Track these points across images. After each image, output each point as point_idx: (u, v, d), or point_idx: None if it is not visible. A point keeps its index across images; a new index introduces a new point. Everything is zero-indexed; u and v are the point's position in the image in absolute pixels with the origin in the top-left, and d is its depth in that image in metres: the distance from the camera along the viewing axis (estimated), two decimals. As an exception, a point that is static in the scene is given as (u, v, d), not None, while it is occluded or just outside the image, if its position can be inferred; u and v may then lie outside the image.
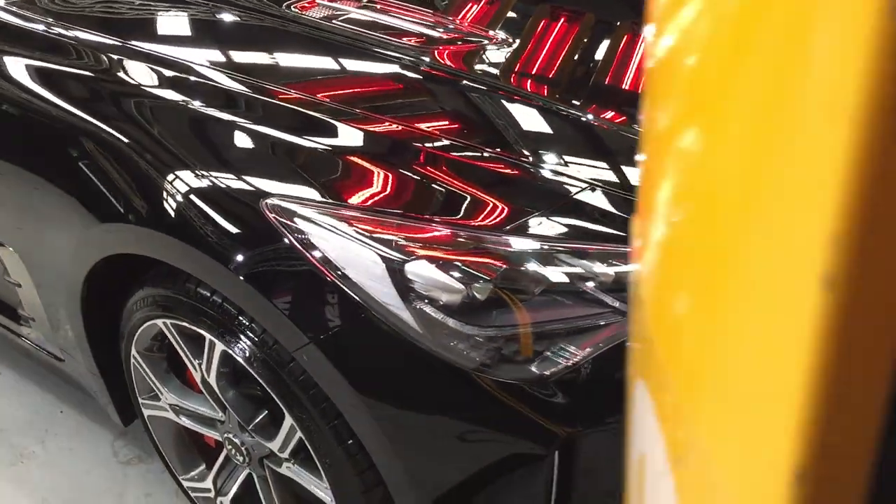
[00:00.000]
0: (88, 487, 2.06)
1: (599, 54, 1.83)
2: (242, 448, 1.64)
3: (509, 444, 1.34)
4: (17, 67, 1.73)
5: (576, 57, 1.80)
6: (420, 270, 1.31)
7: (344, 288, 1.32)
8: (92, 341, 1.80)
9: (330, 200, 1.38)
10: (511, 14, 1.98)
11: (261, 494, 1.69)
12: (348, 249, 1.33)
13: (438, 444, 1.38)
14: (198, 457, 1.84)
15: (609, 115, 1.64)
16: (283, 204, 1.37)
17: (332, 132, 1.52)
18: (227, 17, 1.87)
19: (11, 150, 1.73)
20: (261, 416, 1.58)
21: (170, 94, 1.61)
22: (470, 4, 1.96)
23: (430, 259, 1.31)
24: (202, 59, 1.68)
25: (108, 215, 1.54)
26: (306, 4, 1.77)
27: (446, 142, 1.52)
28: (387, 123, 1.54)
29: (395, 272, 1.31)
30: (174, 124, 1.57)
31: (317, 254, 1.33)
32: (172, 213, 1.45)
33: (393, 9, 1.83)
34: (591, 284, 1.32)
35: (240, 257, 1.38)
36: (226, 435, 1.67)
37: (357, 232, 1.34)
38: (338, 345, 1.34)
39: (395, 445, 1.36)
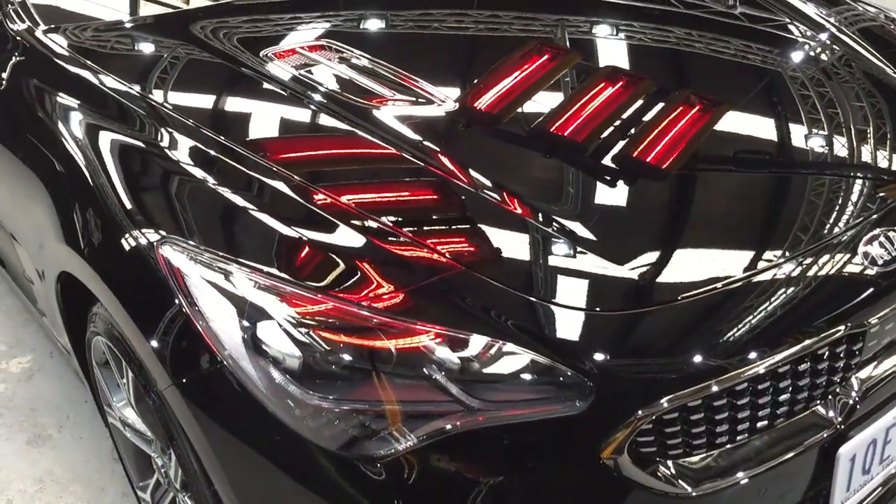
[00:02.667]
0: (80, 476, 2.22)
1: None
2: (162, 470, 1.72)
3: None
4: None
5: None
6: (269, 330, 1.32)
7: (205, 337, 1.35)
8: (76, 345, 1.94)
9: (220, 252, 1.41)
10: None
11: (181, 517, 1.75)
12: (215, 299, 1.36)
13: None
14: (148, 468, 1.94)
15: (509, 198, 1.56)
16: (172, 248, 1.42)
17: (259, 191, 1.54)
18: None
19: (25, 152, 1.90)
20: (176, 444, 1.64)
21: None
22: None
23: (293, 320, 1.31)
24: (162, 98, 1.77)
25: (68, 238, 1.66)
26: (283, 53, 1.82)
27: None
28: (319, 194, 1.53)
29: (249, 329, 1.32)
30: (124, 166, 1.67)
31: (188, 299, 1.37)
32: (96, 247, 1.55)
33: (369, 68, 1.83)
34: (438, 371, 1.27)
35: (128, 294, 1.46)
36: (152, 454, 1.75)
37: (230, 284, 1.36)
38: (197, 392, 1.37)
39: (240, 499, 1.37)
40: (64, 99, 1.83)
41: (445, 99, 1.76)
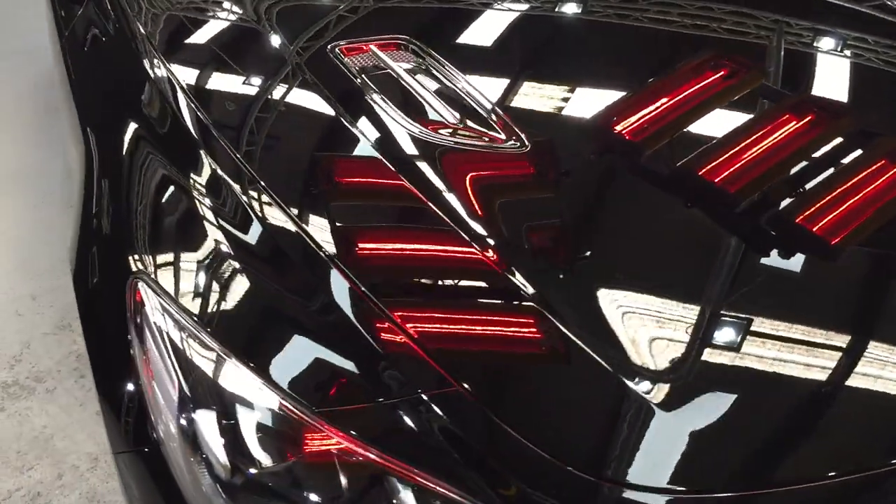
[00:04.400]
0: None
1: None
2: None
3: None
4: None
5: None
6: (211, 420, 1.04)
7: (149, 408, 1.10)
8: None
9: (197, 319, 1.13)
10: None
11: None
12: (167, 371, 1.10)
13: None
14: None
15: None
16: (144, 286, 1.18)
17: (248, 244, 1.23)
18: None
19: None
20: None
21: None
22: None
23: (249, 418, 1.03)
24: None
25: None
26: (354, 48, 1.49)
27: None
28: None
29: (189, 408, 1.06)
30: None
31: (143, 355, 1.13)
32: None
33: (453, 81, 1.47)
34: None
35: (96, 332, 1.24)
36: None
37: (188, 344, 1.10)
38: (131, 466, 1.14)
39: None
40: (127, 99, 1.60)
41: (524, 140, 1.36)
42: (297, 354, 1.07)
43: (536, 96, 1.48)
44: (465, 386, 1.00)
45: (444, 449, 0.98)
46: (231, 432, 1.03)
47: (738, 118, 1.46)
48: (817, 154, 1.40)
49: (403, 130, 1.34)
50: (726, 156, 1.35)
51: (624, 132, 1.39)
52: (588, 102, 1.49)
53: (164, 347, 1.11)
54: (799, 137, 1.43)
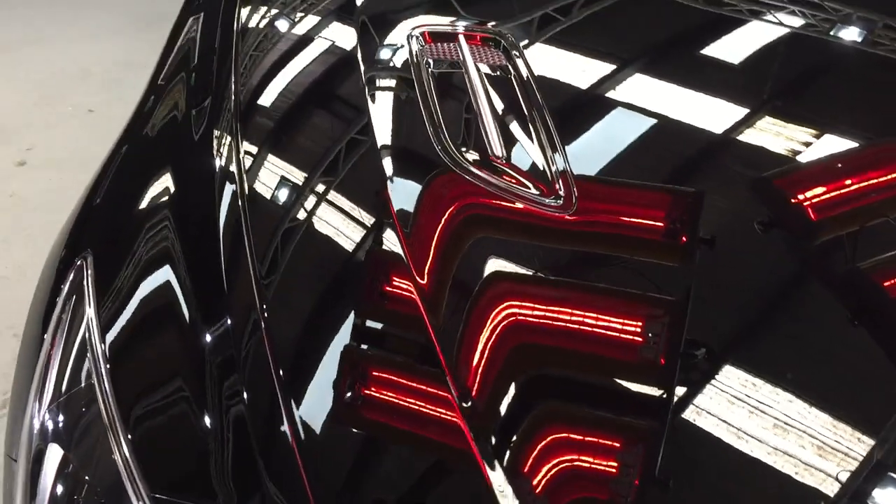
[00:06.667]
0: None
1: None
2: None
3: None
4: None
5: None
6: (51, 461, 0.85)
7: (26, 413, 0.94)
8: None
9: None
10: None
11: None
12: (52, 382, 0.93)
13: None
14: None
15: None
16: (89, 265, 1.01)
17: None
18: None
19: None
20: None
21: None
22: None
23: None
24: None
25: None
26: (440, 36, 1.18)
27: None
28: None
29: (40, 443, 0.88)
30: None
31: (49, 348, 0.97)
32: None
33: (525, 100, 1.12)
34: None
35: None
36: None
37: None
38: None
39: None
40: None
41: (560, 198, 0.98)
42: (169, 431, 0.86)
43: (643, 150, 1.06)
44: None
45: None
46: (70, 482, 0.83)
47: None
48: None
49: (425, 145, 1.06)
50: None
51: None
52: (718, 166, 1.06)
53: (65, 353, 0.94)
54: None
